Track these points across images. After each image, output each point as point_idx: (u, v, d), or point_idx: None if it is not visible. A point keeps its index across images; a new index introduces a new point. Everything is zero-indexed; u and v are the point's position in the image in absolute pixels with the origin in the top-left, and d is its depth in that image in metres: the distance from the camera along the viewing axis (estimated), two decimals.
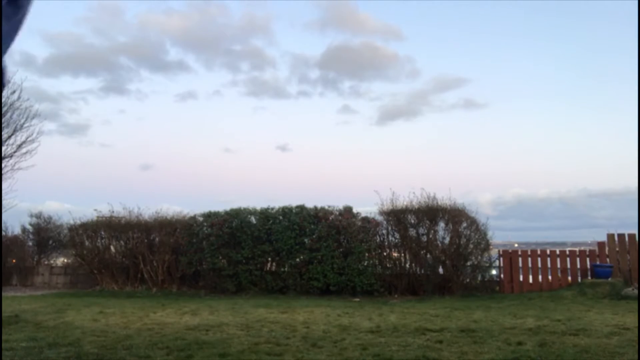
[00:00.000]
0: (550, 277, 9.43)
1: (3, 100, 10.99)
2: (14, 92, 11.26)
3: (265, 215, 9.83)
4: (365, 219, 9.54)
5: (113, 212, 10.85)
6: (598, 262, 9.24)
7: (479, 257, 9.42)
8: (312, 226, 9.44)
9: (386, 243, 9.48)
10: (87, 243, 10.90)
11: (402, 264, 9.41)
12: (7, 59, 1.36)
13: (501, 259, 9.66)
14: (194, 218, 10.45)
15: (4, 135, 11.08)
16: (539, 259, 9.56)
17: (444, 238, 9.27)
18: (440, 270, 9.29)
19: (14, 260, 12.27)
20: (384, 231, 9.50)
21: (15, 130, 11.30)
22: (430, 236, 9.26)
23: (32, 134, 11.57)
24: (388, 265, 9.43)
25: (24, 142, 11.45)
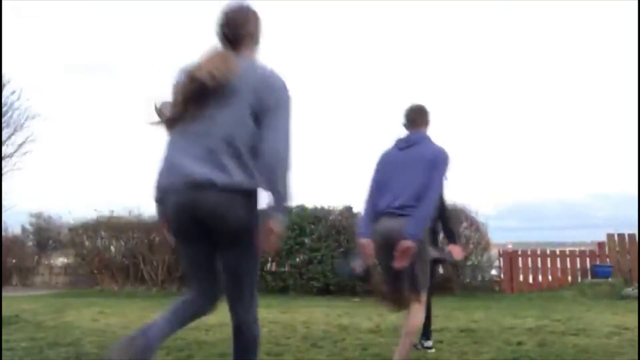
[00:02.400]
0: (550, 277, 9.43)
1: (3, 100, 11.00)
2: (13, 92, 11.26)
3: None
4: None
5: (113, 212, 10.86)
6: (598, 262, 9.24)
7: (479, 257, 9.42)
8: (312, 226, 9.44)
9: None
10: (87, 243, 10.89)
11: None
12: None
13: (501, 259, 9.66)
14: None
15: (4, 135, 11.08)
16: (539, 259, 9.57)
17: (444, 238, 9.27)
18: (440, 270, 9.29)
19: (14, 260, 12.27)
20: None
21: (15, 130, 11.31)
22: None
23: (32, 134, 11.59)
24: None
25: (24, 142, 11.46)
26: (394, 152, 3.08)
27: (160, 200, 1.90)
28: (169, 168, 1.86)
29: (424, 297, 2.96)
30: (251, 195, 1.84)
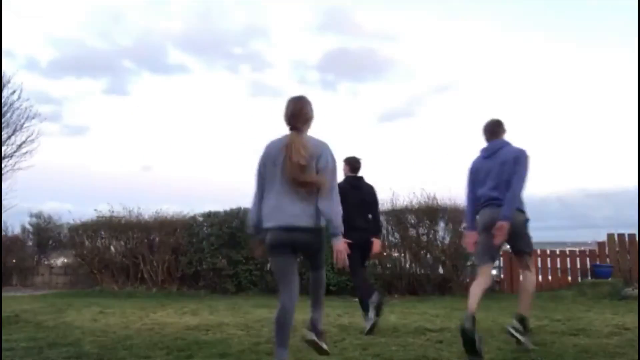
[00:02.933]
0: (550, 277, 9.42)
1: (3, 100, 11.00)
2: (13, 92, 11.26)
3: None
4: None
5: (113, 212, 10.85)
6: (598, 262, 9.23)
7: None
8: None
9: (386, 243, 9.47)
10: (87, 243, 10.89)
11: (402, 264, 9.40)
12: None
13: (501, 259, 9.65)
14: (194, 218, 10.44)
15: (4, 135, 11.08)
16: (539, 259, 9.56)
17: (444, 238, 9.27)
18: (440, 270, 9.28)
19: (14, 260, 12.26)
20: (384, 231, 9.49)
21: (15, 131, 11.31)
22: (430, 236, 9.26)
23: (32, 134, 11.59)
24: (388, 265, 9.43)
25: (24, 142, 11.46)
26: (481, 160, 3.92)
27: (271, 231, 2.97)
28: (277, 213, 2.93)
29: (532, 261, 4.00)
30: (321, 229, 3.01)
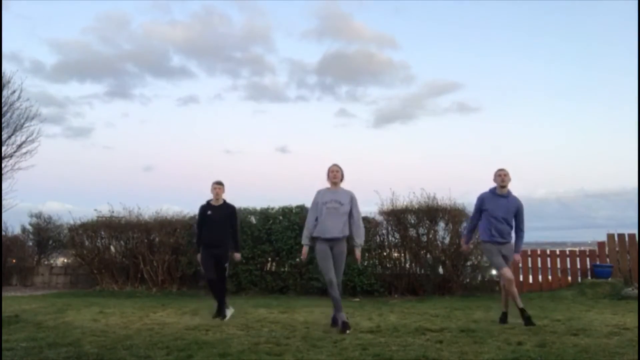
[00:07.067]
0: (550, 277, 9.43)
1: (3, 100, 10.99)
2: (14, 92, 11.25)
3: (265, 215, 9.82)
4: (365, 219, 9.53)
5: (113, 212, 10.83)
6: (598, 262, 9.23)
7: (479, 257, 9.41)
8: None
9: (386, 243, 9.47)
10: (87, 243, 10.88)
11: (402, 264, 9.40)
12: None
13: None
14: (194, 218, 10.43)
15: (4, 135, 11.06)
16: (539, 259, 9.56)
17: (444, 238, 9.27)
18: (440, 270, 9.28)
19: (13, 260, 12.26)
20: (384, 231, 9.49)
21: (15, 131, 11.28)
22: (430, 236, 9.26)
23: (32, 134, 11.57)
24: (388, 265, 9.43)
25: (24, 142, 11.43)
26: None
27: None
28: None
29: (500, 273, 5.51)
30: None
